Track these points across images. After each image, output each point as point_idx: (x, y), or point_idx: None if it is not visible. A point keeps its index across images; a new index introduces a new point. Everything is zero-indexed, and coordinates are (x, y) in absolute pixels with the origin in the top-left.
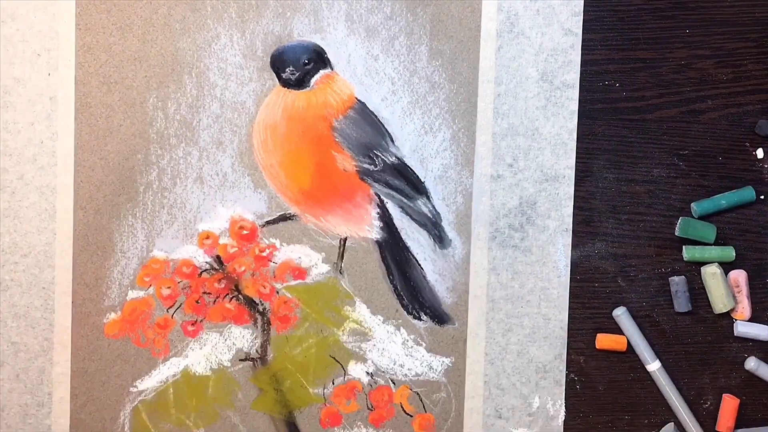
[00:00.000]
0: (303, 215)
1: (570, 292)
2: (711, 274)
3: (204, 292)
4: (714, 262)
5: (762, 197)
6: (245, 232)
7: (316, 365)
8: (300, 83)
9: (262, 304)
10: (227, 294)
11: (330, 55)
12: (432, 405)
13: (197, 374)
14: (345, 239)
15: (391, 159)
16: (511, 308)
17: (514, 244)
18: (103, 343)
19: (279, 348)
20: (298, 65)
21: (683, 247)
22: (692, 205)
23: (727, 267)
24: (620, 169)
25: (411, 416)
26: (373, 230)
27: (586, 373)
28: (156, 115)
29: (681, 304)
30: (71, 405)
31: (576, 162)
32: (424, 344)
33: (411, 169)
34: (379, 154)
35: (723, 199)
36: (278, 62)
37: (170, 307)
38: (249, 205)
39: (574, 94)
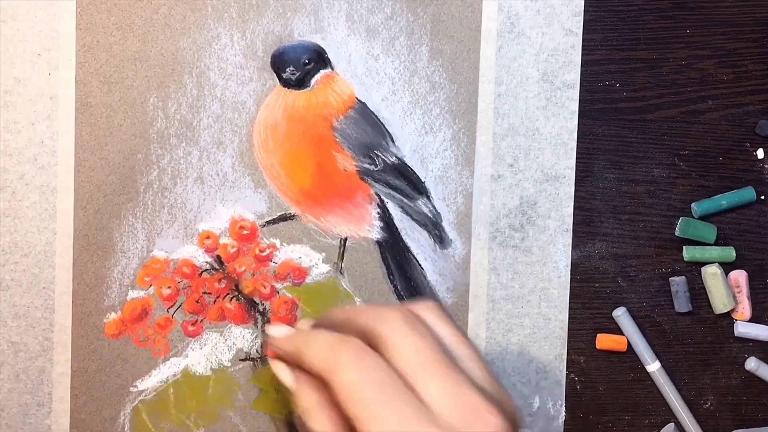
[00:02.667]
0: (303, 215)
1: (570, 292)
2: (711, 274)
3: (204, 292)
4: (714, 262)
5: (762, 197)
6: (245, 232)
7: None
8: (300, 83)
9: (262, 304)
10: (227, 294)
11: (330, 55)
12: None
13: (197, 374)
14: (345, 239)
15: (391, 159)
16: (512, 308)
17: (514, 244)
18: (103, 343)
19: None
20: (298, 65)
21: (683, 247)
22: (692, 205)
23: (727, 267)
24: (620, 169)
25: None
26: (374, 230)
27: (586, 374)
28: (156, 114)
29: (681, 304)
30: (71, 405)
31: (576, 162)
32: None
33: (411, 169)
34: (380, 154)
35: (723, 200)
36: (278, 62)
37: (170, 307)
38: (249, 205)
39: (575, 94)
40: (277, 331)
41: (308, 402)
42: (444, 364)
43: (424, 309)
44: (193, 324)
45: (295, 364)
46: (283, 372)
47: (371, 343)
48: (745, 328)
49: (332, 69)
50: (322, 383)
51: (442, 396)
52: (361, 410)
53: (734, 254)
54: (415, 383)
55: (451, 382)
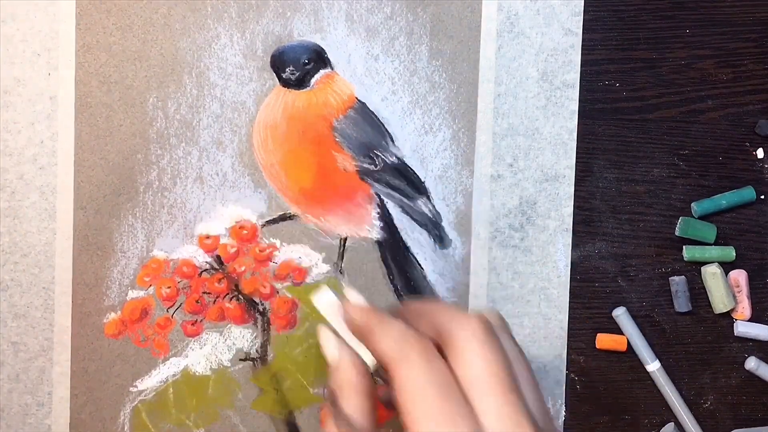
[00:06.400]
0: (303, 215)
1: (570, 292)
2: (711, 274)
3: (204, 292)
4: (714, 262)
5: (762, 197)
6: (245, 232)
7: (316, 365)
8: (300, 83)
9: (262, 304)
10: (227, 294)
11: (330, 55)
12: None
13: (197, 374)
14: (345, 239)
15: (391, 159)
16: (512, 308)
17: (514, 244)
18: (103, 343)
19: (279, 348)
20: (298, 65)
21: (683, 247)
22: (692, 205)
23: (727, 267)
24: (620, 169)
25: None
26: (374, 230)
27: (586, 373)
28: (156, 114)
29: (681, 304)
30: (71, 405)
31: (576, 162)
32: None
33: (411, 169)
34: (380, 153)
35: (723, 199)
36: (278, 62)
37: (170, 307)
38: (249, 205)
39: (574, 94)
40: (354, 297)
41: (346, 380)
42: (507, 385)
43: (491, 319)
44: (192, 324)
45: (360, 339)
46: (329, 341)
47: (441, 343)
48: (744, 328)
49: (332, 69)
50: (365, 370)
51: (497, 419)
52: (418, 409)
53: (734, 254)
54: (474, 397)
55: (509, 407)
